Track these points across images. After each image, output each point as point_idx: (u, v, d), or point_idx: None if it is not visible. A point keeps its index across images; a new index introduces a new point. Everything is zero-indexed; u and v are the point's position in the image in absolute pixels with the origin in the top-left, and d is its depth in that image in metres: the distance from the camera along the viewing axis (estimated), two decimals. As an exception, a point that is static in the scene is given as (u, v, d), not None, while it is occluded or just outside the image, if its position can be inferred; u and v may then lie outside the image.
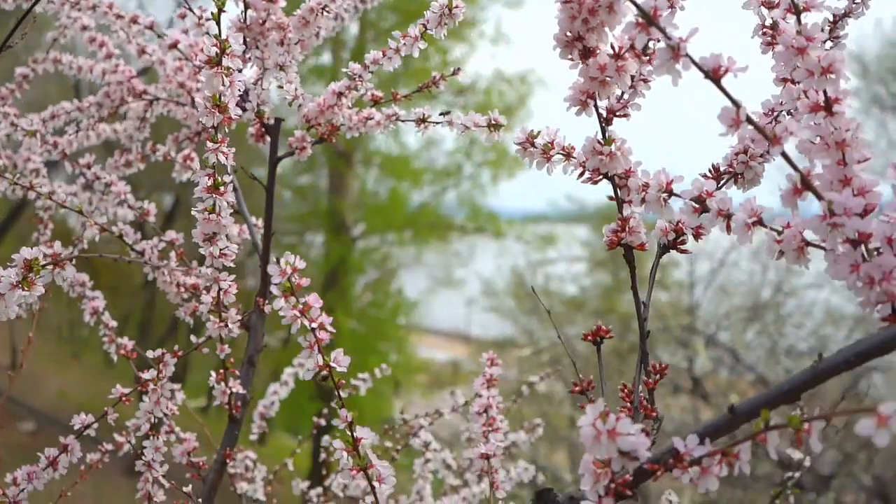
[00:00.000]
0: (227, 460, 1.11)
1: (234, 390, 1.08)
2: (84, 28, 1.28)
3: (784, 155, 0.58)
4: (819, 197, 0.59)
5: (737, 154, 0.78)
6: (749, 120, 0.57)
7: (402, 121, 1.09)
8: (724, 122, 0.58)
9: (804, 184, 0.59)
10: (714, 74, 0.58)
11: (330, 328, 0.72)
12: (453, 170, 12.25)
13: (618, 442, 0.57)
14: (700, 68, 0.58)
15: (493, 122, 0.96)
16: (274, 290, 0.70)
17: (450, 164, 12.29)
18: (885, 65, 9.83)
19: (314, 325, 0.71)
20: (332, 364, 0.72)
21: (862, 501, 6.15)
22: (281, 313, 0.71)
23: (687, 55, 0.57)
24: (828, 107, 0.62)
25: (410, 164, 12.20)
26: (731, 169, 0.78)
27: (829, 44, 0.82)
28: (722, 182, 0.79)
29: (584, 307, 10.98)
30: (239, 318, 1.02)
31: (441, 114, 1.06)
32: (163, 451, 1.05)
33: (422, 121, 1.08)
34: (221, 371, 1.07)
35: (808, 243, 0.62)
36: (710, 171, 0.79)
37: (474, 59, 12.08)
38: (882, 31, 9.88)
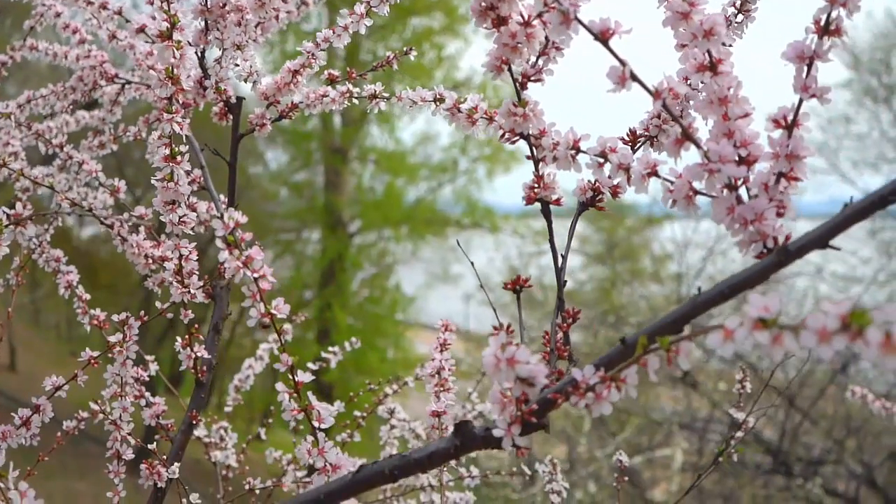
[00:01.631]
0: (194, 422, 1.17)
1: (199, 355, 1.14)
2: (58, 15, 1.34)
3: (666, 108, 0.64)
4: (698, 146, 0.65)
5: (652, 118, 0.84)
6: (633, 77, 0.63)
7: (356, 97, 1.15)
8: (612, 80, 0.64)
9: (685, 135, 0.65)
10: (602, 36, 0.64)
11: (272, 278, 0.78)
12: (449, 165, 12.31)
13: (516, 369, 0.63)
14: (590, 31, 0.64)
15: (437, 97, 1.02)
16: (219, 242, 0.76)
17: (445, 160, 12.35)
18: (876, 56, 9.87)
19: (257, 275, 0.77)
20: (274, 311, 0.78)
21: (852, 488, 6.21)
22: (226, 265, 0.77)
23: (576, 19, 0.63)
24: (712, 67, 0.68)
25: (406, 159, 12.26)
26: (646, 132, 0.84)
27: (740, 17, 0.87)
28: (638, 144, 0.85)
29: (580, 300, 11.06)
30: (201, 284, 1.08)
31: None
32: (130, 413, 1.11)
33: (373, 96, 1.14)
34: (187, 336, 1.13)
35: (697, 192, 0.68)
36: (627, 134, 0.85)
37: (469, 54, 12.13)
38: (873, 21, 9.91)
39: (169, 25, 0.87)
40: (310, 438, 0.79)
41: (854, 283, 8.58)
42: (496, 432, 0.67)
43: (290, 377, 0.79)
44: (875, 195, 0.58)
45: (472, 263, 1.09)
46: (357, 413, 1.52)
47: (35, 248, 1.32)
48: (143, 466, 1.11)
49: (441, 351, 1.15)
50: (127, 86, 1.39)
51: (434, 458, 0.72)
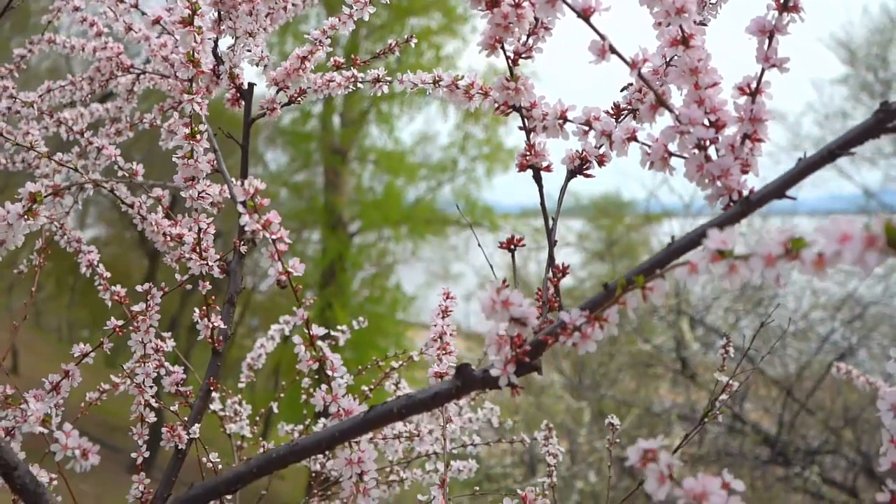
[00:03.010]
0: (212, 388, 1.25)
1: (216, 325, 1.22)
2: (76, 9, 1.42)
3: (641, 77, 0.72)
4: (671, 111, 0.72)
5: (633, 92, 0.91)
6: (612, 50, 0.71)
7: (361, 82, 1.23)
8: (593, 52, 0.72)
9: (659, 101, 0.72)
10: (584, 13, 0.71)
11: (288, 240, 0.86)
12: (448, 164, 12.40)
13: (510, 310, 0.71)
14: (572, 8, 0.71)
15: (436, 79, 1.09)
16: (240, 207, 0.84)
17: (445, 159, 12.44)
18: (872, 52, 9.94)
19: (275, 237, 0.85)
20: (291, 269, 0.86)
21: (850, 478, 6.29)
22: (246, 228, 0.85)
23: (560, -2, 0.71)
24: (684, 41, 0.75)
25: (405, 159, 12.34)
26: (629, 105, 0.92)
27: (714, -2, 0.95)
28: (622, 117, 0.92)
29: (580, 296, 11.10)
30: (218, 257, 1.16)
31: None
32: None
33: (377, 80, 1.22)
34: (204, 308, 1.21)
35: (671, 153, 0.76)
36: (611, 107, 0.92)
37: (467, 53, 12.22)
38: (869, 17, 9.97)
39: (190, 12, 0.95)
40: (324, 386, 0.87)
41: (852, 277, 8.66)
42: (493, 372, 0.75)
43: (306, 330, 0.87)
44: (825, 149, 0.65)
45: (482, 250, 1.16)
46: (364, 387, 1.60)
47: (56, 231, 1.40)
48: (164, 430, 1.19)
49: (443, 317, 1.22)
50: (142, 76, 1.47)
51: (438, 398, 0.80)
